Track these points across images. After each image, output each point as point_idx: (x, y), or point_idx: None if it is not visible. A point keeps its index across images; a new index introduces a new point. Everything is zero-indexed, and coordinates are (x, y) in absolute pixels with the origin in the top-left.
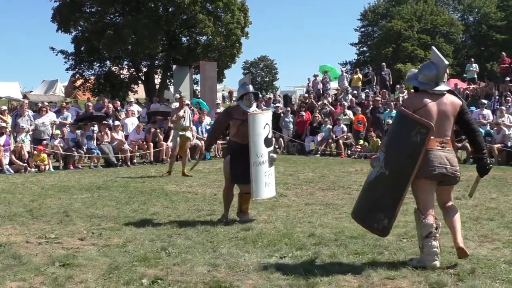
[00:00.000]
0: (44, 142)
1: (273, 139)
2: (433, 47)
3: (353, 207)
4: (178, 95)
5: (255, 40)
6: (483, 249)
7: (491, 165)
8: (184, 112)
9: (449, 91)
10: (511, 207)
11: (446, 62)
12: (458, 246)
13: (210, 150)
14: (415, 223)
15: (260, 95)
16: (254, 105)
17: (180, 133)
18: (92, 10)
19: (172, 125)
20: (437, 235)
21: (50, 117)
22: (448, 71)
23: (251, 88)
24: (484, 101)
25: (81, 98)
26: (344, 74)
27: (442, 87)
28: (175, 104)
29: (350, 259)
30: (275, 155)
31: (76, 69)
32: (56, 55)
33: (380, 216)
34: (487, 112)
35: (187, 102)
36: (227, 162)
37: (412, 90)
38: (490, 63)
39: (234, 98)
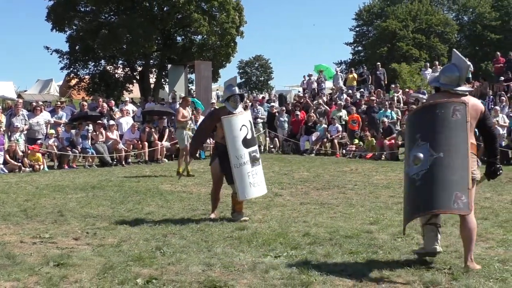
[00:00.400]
0: (39, 141)
1: (256, 139)
2: (454, 49)
3: (407, 210)
4: (182, 94)
5: (250, 40)
6: (477, 248)
7: (501, 171)
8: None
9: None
10: (505, 206)
11: (469, 63)
12: (467, 265)
13: (196, 155)
14: (421, 227)
15: (244, 96)
16: (240, 106)
17: (186, 132)
18: (87, 9)
19: (177, 125)
20: (438, 223)
21: (44, 116)
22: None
23: (237, 90)
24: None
25: (75, 97)
26: (339, 73)
27: (464, 88)
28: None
29: (345, 258)
30: (257, 155)
31: (71, 69)
32: (51, 54)
33: (456, 194)
34: None
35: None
36: (216, 164)
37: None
38: (485, 62)
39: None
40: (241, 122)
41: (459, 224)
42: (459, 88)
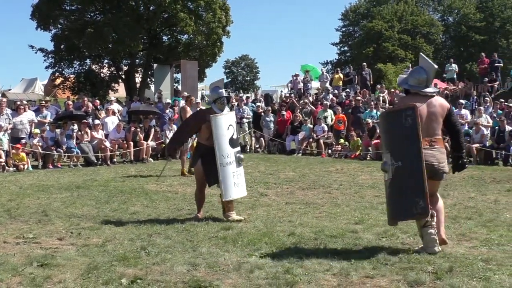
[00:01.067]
0: (23, 141)
1: (239, 139)
2: (421, 53)
3: (388, 215)
4: (185, 93)
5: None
6: (461, 248)
7: (466, 166)
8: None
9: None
10: (489, 206)
11: (436, 66)
12: (441, 239)
13: (175, 155)
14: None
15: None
16: (227, 108)
17: None
18: (72, 7)
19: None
20: (433, 223)
21: (28, 115)
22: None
23: (224, 92)
24: (462, 101)
25: (60, 96)
26: (325, 73)
27: (431, 89)
28: (182, 103)
29: (330, 258)
30: (242, 155)
31: (56, 68)
32: (36, 53)
33: (414, 200)
34: (465, 112)
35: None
36: (199, 165)
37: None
38: (469, 63)
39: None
40: (228, 121)
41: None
42: (427, 90)
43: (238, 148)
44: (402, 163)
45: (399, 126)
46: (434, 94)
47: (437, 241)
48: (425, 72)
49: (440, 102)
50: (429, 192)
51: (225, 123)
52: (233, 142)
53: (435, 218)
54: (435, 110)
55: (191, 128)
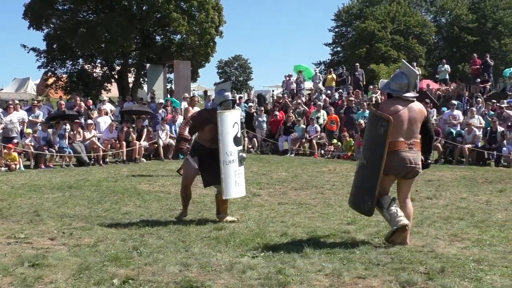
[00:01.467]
0: (15, 140)
1: (242, 138)
2: (403, 60)
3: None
4: (187, 94)
5: (229, 40)
6: (453, 248)
7: (430, 167)
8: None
9: (424, 94)
10: (481, 206)
11: (418, 73)
12: (405, 241)
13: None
14: (379, 213)
15: (236, 101)
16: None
17: None
18: (65, 7)
19: None
20: (395, 204)
21: (18, 115)
22: (420, 72)
23: (230, 95)
24: (455, 102)
25: (53, 96)
26: (318, 74)
27: (412, 94)
28: (184, 104)
29: (322, 258)
30: (244, 154)
31: (48, 67)
32: (28, 52)
33: (365, 198)
34: (457, 112)
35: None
36: (192, 165)
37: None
38: (462, 64)
39: (209, 98)
40: (234, 119)
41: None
42: (408, 94)
43: (241, 147)
44: (366, 162)
45: (373, 130)
46: (414, 99)
47: (402, 214)
48: (407, 77)
49: (419, 108)
50: (403, 192)
51: (231, 121)
52: (237, 140)
53: (396, 200)
54: (415, 115)
55: (199, 126)
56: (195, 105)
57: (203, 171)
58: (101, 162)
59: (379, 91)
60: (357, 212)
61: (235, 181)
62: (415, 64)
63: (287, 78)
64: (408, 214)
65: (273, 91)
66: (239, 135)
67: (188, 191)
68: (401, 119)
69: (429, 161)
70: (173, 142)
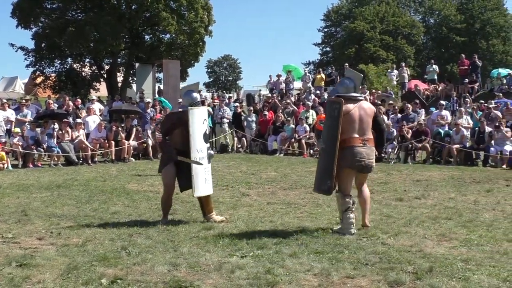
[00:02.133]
0: (3, 140)
1: (209, 136)
2: (346, 65)
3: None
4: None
5: (218, 39)
6: (441, 248)
7: (382, 160)
8: None
9: (412, 94)
10: (469, 206)
11: (361, 75)
12: (364, 224)
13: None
14: (336, 201)
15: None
16: None
17: None
18: (53, 6)
19: None
20: (353, 209)
21: (3, 114)
22: (409, 72)
23: (198, 97)
24: (443, 102)
25: (41, 95)
26: (307, 74)
27: (358, 94)
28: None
29: (311, 258)
30: (212, 152)
31: (37, 66)
32: (16, 51)
33: (325, 179)
34: (445, 113)
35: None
36: (169, 169)
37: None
38: (450, 64)
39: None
40: (203, 115)
41: (357, 194)
42: (355, 94)
43: (208, 144)
44: (325, 146)
45: (330, 115)
46: (362, 98)
47: (354, 225)
48: (352, 81)
49: (368, 106)
50: (359, 183)
51: (201, 117)
52: (205, 137)
53: (355, 205)
54: (365, 112)
55: (165, 131)
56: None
57: (178, 176)
58: (89, 162)
59: (368, 91)
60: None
61: (205, 178)
62: (403, 64)
63: (277, 78)
64: (365, 198)
65: (260, 90)
66: (207, 132)
67: (171, 200)
68: (353, 117)
69: (382, 155)
70: None
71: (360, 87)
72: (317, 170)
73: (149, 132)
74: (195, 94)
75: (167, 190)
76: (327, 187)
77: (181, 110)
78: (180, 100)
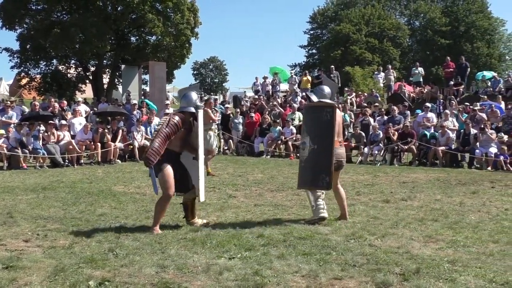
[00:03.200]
0: None
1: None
2: (323, 75)
3: (298, 182)
4: (204, 96)
5: (205, 41)
6: (428, 249)
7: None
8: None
9: (397, 96)
10: (455, 208)
11: (338, 85)
12: (345, 217)
13: None
14: (308, 194)
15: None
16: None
17: (211, 133)
18: (38, 7)
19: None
20: (323, 197)
21: None
22: (395, 75)
23: (198, 99)
24: (428, 104)
25: (26, 97)
26: (294, 76)
27: (332, 101)
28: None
29: (299, 259)
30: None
31: (22, 68)
32: (1, 52)
33: (322, 176)
34: (431, 115)
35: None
36: (169, 171)
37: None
38: (435, 67)
39: None
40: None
41: (334, 192)
42: (329, 101)
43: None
44: (317, 146)
45: (319, 120)
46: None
47: (325, 209)
48: (329, 88)
49: (339, 112)
50: (335, 181)
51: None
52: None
53: (324, 193)
54: (339, 117)
55: (171, 134)
56: (210, 108)
57: (180, 178)
58: (74, 164)
59: (354, 93)
60: (315, 189)
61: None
62: (390, 66)
63: (263, 80)
64: (341, 195)
65: (244, 91)
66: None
67: (167, 205)
68: (338, 121)
69: None
70: (148, 143)
71: (343, 91)
72: (306, 169)
73: (136, 134)
74: (196, 102)
75: (170, 192)
76: (326, 183)
77: (181, 111)
78: (167, 101)
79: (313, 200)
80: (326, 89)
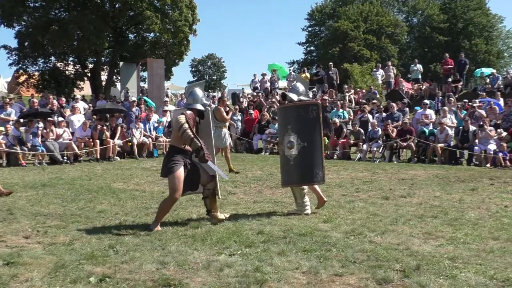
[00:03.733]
0: None
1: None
2: (296, 74)
3: (282, 179)
4: (216, 95)
5: (203, 38)
6: (428, 246)
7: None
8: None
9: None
10: (454, 205)
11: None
12: (323, 200)
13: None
14: (294, 191)
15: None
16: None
17: (225, 131)
18: (36, 4)
19: (216, 124)
20: (307, 192)
21: None
22: (395, 71)
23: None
24: (427, 101)
25: (24, 94)
26: (292, 73)
27: (306, 98)
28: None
29: (299, 256)
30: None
31: (20, 65)
32: None
33: (315, 171)
34: (429, 112)
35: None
36: (182, 176)
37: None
38: (434, 64)
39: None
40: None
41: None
42: (304, 98)
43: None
44: (307, 144)
45: (306, 117)
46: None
47: (308, 207)
48: (303, 86)
49: None
50: None
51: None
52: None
53: (306, 190)
54: None
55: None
56: (224, 105)
57: (192, 177)
58: (72, 160)
59: (353, 90)
60: (308, 185)
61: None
62: (389, 63)
63: (262, 77)
64: (316, 188)
65: (242, 89)
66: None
67: (173, 204)
68: None
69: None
70: (147, 140)
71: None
72: (295, 166)
73: (134, 131)
74: (203, 100)
75: (177, 195)
76: (320, 177)
77: (188, 108)
78: (166, 98)
79: (299, 197)
80: (301, 87)
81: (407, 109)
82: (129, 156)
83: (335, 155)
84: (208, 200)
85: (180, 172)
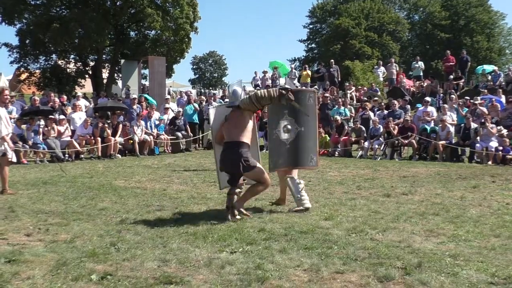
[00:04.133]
0: None
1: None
2: (287, 78)
3: (274, 162)
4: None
5: (204, 36)
6: (429, 243)
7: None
8: None
9: (397, 90)
10: (455, 202)
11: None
12: (284, 202)
13: None
14: (289, 186)
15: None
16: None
17: None
18: (38, 2)
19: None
20: (303, 187)
21: None
22: (398, 68)
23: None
24: (428, 98)
25: (26, 92)
26: (293, 70)
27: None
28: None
29: (300, 253)
30: None
31: (21, 63)
32: (0, 48)
33: (311, 156)
34: (431, 109)
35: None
36: (259, 165)
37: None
38: (435, 61)
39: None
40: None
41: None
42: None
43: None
44: (304, 128)
45: (303, 102)
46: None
47: (307, 200)
48: (288, 84)
49: None
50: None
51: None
52: None
53: (303, 184)
54: None
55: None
56: None
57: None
58: (73, 157)
59: (354, 87)
60: (302, 169)
61: None
62: (392, 60)
63: (263, 75)
64: (290, 187)
65: (244, 86)
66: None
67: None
68: None
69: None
70: (148, 138)
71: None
72: (291, 150)
73: (136, 128)
74: (242, 90)
75: (268, 182)
76: (314, 162)
77: (229, 106)
78: (167, 96)
79: (295, 191)
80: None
81: (408, 106)
82: (131, 154)
83: (337, 153)
84: (233, 196)
85: (258, 164)
